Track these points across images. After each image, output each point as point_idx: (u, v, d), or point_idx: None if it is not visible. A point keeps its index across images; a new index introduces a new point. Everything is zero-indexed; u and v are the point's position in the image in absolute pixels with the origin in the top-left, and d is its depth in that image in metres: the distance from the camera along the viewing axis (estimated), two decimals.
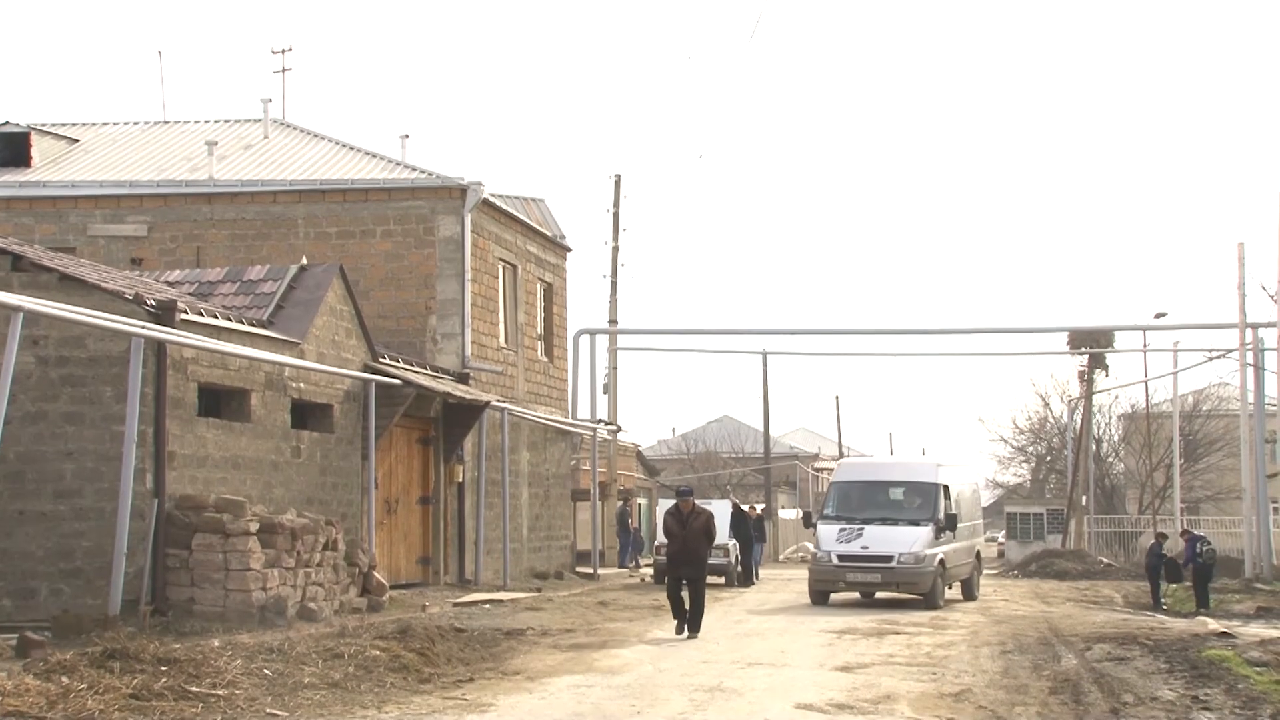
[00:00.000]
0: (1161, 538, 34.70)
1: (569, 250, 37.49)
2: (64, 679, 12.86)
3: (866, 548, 27.19)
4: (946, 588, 28.68)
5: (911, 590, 27.24)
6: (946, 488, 29.01)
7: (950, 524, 28.42)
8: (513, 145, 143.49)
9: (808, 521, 30.11)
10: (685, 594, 20.91)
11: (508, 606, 24.43)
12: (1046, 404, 74.05)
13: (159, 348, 19.32)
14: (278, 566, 19.83)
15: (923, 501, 28.48)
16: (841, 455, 76.63)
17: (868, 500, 28.99)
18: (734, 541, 34.87)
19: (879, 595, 28.31)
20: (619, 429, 43.73)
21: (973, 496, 32.68)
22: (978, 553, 32.09)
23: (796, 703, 14.04)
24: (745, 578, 35.42)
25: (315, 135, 34.31)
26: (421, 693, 14.51)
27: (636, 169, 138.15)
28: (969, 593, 30.55)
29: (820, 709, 13.88)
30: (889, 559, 26.99)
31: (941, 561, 27.61)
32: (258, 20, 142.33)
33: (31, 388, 19.12)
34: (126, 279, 22.06)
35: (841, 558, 27.24)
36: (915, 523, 27.86)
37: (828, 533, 28.02)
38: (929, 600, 27.02)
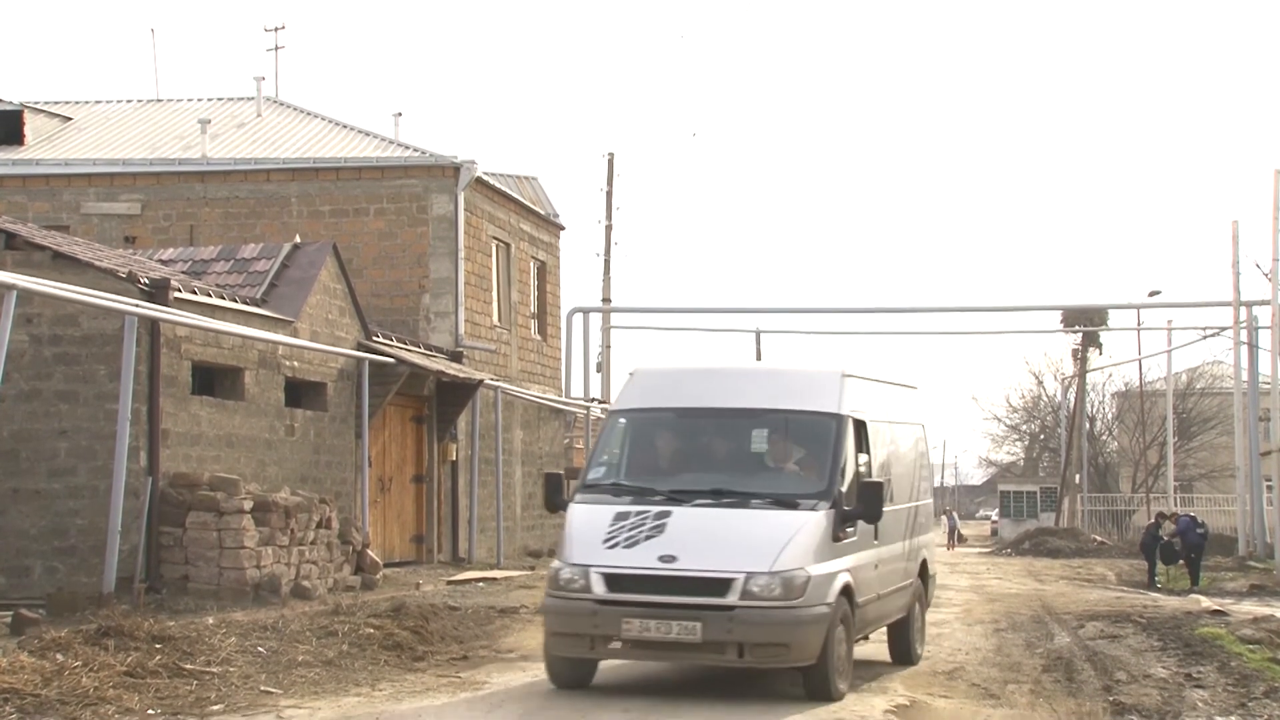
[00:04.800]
0: (1160, 517, 34.86)
1: (562, 229, 37.47)
2: (59, 656, 12.87)
3: (672, 560, 12.78)
4: (858, 642, 14.24)
5: (774, 659, 12.82)
6: (862, 426, 14.30)
7: (870, 507, 13.58)
8: (506, 123, 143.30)
9: (555, 499, 14.22)
10: None
11: (501, 585, 24.44)
12: (1040, 382, 74.35)
13: (152, 326, 19.28)
14: (272, 544, 19.84)
15: (805, 454, 13.86)
16: None
17: (687, 450, 14.23)
18: None
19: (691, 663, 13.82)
20: None
21: (916, 451, 16.78)
22: (924, 563, 16.68)
23: (790, 681, 14.05)
24: None
25: (308, 113, 34.24)
26: (415, 670, 14.54)
27: (630, 147, 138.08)
28: (903, 646, 16.01)
29: None
30: (722, 588, 12.64)
31: (848, 591, 13.29)
32: None
33: (25, 366, 19.09)
34: (120, 257, 22.03)
35: (615, 584, 12.87)
36: (786, 502, 13.25)
37: (589, 522, 13.36)
38: (816, 678, 13.03)
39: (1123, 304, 51.65)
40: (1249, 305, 38.19)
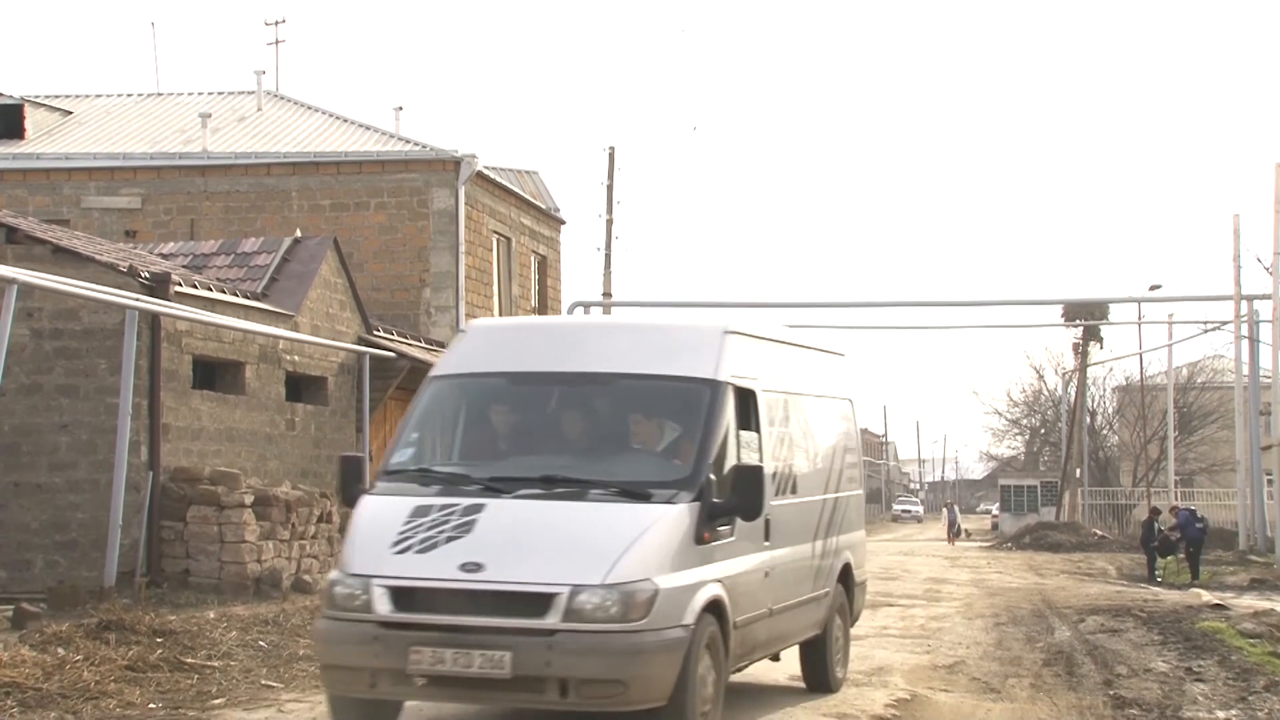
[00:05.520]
0: (1155, 512, 34.92)
1: (563, 223, 37.45)
2: (60, 650, 12.89)
3: (478, 569, 9.59)
4: (744, 667, 11.50)
5: (608, 700, 9.42)
6: (750, 395, 11.25)
7: (746, 499, 10.33)
8: (507, 117, 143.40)
9: (351, 489, 11.19)
10: None
11: None
12: (1041, 376, 74.45)
13: (153, 320, 19.28)
14: (272, 539, 19.85)
15: (669, 432, 10.75)
16: None
17: (521, 426, 11.09)
18: None
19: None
20: None
21: (837, 431, 13.74)
22: (846, 567, 13.50)
23: (791, 674, 14.06)
24: None
25: (309, 107, 34.21)
26: None
27: (631, 141, 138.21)
28: (819, 670, 13.32)
29: None
30: (540, 606, 9.45)
31: (718, 608, 10.17)
32: None
33: (26, 360, 19.09)
34: (120, 251, 22.02)
35: (403, 601, 9.73)
36: (636, 493, 10.06)
37: (379, 519, 10.40)
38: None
39: (1123, 298, 51.55)
40: (1250, 299, 38.14)
